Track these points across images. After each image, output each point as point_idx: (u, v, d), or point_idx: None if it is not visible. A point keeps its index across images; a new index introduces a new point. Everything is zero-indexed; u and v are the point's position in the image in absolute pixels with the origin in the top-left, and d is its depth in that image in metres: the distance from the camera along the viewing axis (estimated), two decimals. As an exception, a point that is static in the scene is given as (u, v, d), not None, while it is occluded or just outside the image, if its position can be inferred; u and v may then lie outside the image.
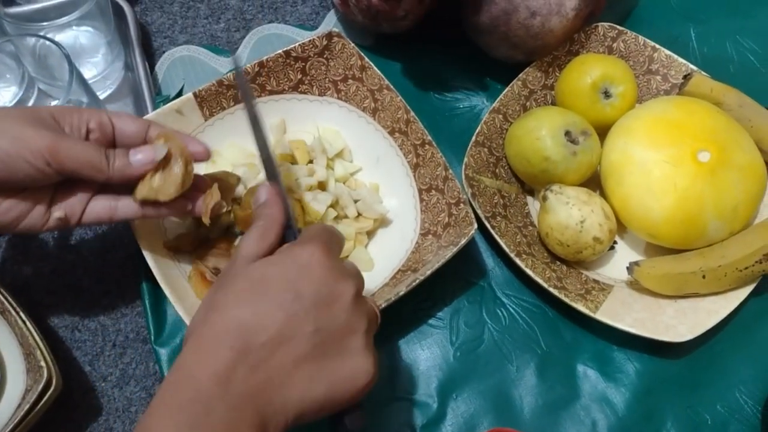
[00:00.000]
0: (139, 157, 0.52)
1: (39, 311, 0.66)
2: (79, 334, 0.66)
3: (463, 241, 0.61)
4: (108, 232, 0.70)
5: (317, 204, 0.65)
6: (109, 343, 0.65)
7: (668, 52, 0.75)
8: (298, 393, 0.42)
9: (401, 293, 0.59)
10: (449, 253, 0.61)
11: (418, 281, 0.60)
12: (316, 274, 0.44)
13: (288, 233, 0.50)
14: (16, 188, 0.51)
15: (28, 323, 0.59)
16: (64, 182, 0.52)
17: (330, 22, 0.81)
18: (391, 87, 0.68)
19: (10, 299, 0.60)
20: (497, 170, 0.71)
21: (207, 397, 0.40)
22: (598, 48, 0.76)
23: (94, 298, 0.67)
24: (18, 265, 0.68)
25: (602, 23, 0.76)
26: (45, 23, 0.68)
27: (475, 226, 0.61)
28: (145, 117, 0.64)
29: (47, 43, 0.66)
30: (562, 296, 0.63)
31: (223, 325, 0.43)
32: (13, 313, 0.60)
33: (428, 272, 0.60)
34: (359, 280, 0.48)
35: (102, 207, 0.55)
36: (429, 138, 0.66)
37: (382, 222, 0.69)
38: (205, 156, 0.56)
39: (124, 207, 0.55)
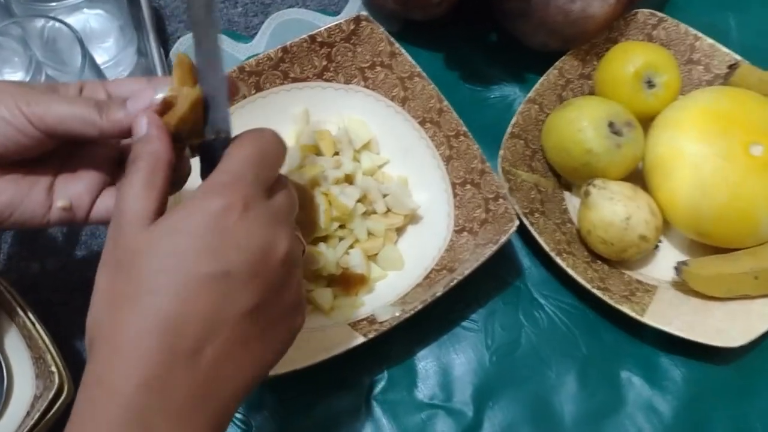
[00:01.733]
0: (137, 103, 0.40)
1: (47, 311, 0.61)
2: (91, 336, 0.62)
3: (503, 239, 0.57)
4: (120, 227, 0.66)
5: (345, 198, 0.61)
6: (123, 346, 0.61)
7: (711, 41, 0.71)
8: (249, 374, 0.37)
9: (438, 294, 0.56)
10: (488, 251, 0.57)
11: (455, 281, 0.56)
12: (241, 236, 0.36)
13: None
14: (3, 164, 0.42)
15: (37, 325, 0.55)
16: (66, 165, 0.45)
17: (354, 7, 0.77)
18: (423, 74, 0.64)
19: (17, 298, 0.56)
20: (533, 163, 0.67)
21: (141, 412, 0.33)
22: (638, 36, 0.72)
23: (106, 297, 0.63)
24: (25, 261, 0.64)
25: (642, 10, 0.72)
26: (54, 3, 0.64)
27: (516, 222, 0.58)
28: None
29: (57, 25, 0.62)
30: (606, 298, 0.60)
31: (140, 321, 0.34)
32: (21, 313, 0.56)
33: (466, 272, 0.56)
34: (290, 212, 0.40)
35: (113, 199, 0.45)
36: (464, 129, 0.62)
37: (412, 218, 0.65)
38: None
39: None
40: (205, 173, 0.40)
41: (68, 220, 0.45)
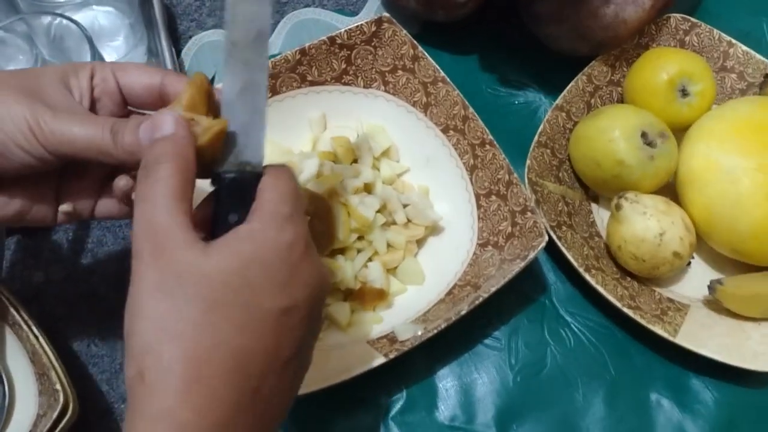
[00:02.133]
0: (147, 133, 0.37)
1: (50, 322, 0.59)
2: (96, 349, 0.59)
3: (532, 255, 0.54)
4: (129, 234, 0.63)
5: (365, 208, 0.58)
6: (129, 360, 0.59)
7: (745, 48, 0.68)
8: (289, 400, 0.36)
9: (463, 312, 0.53)
10: (516, 267, 0.54)
11: (481, 299, 0.53)
12: (306, 272, 0.35)
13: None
14: (11, 177, 0.41)
15: (41, 339, 0.53)
16: (69, 167, 0.43)
17: (372, 8, 0.74)
18: (447, 80, 0.61)
19: (21, 311, 0.54)
20: (560, 174, 0.64)
21: None
22: (669, 41, 0.69)
23: (113, 308, 0.60)
24: (28, 270, 0.61)
25: (674, 14, 0.69)
26: (62, 0, 0.61)
27: (546, 237, 0.55)
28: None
29: (65, 22, 0.59)
30: (637, 317, 0.57)
31: (209, 357, 0.32)
32: (25, 327, 0.53)
33: (492, 289, 0.53)
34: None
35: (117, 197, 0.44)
36: (490, 137, 0.59)
37: (433, 230, 0.62)
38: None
39: None
40: (229, 205, 0.36)
41: (76, 219, 0.45)
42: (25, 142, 0.38)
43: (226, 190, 0.36)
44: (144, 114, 0.41)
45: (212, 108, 0.39)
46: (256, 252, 0.33)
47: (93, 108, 0.42)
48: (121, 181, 0.42)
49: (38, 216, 0.43)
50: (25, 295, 0.60)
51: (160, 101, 0.42)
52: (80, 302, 0.60)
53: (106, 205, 0.45)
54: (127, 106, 0.44)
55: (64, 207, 0.44)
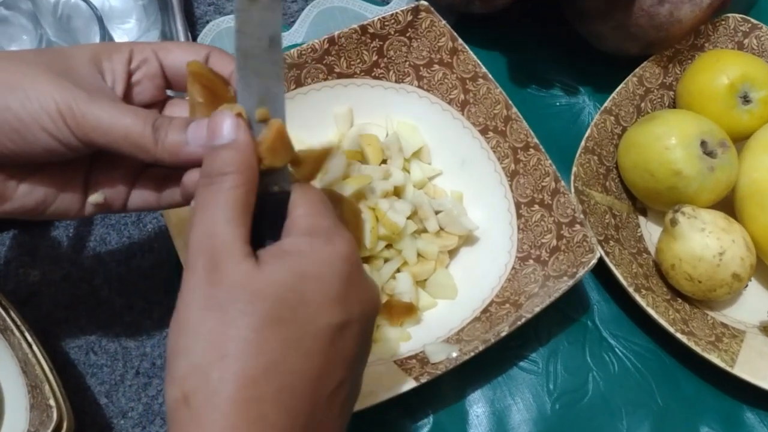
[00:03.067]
0: (200, 134, 0.34)
1: (45, 327, 0.54)
2: (95, 358, 0.54)
3: (581, 272, 0.49)
4: (134, 233, 0.58)
5: (395, 214, 0.53)
6: (132, 371, 0.54)
7: (808, 53, 0.63)
8: (343, 425, 0.33)
9: (503, 334, 0.48)
10: (563, 285, 0.49)
11: (524, 320, 0.48)
12: (361, 287, 0.33)
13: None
14: (35, 163, 0.37)
15: (34, 347, 0.47)
16: (101, 155, 0.38)
17: (404, -3, 0.69)
18: (489, 76, 0.56)
19: (13, 313, 0.48)
20: (607, 183, 0.59)
21: None
22: (727, 43, 0.64)
23: (115, 314, 0.55)
24: (24, 268, 0.56)
25: (733, 14, 0.63)
26: (72, -25, 0.56)
27: (597, 253, 0.49)
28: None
29: (73, 0, 0.54)
30: (692, 344, 0.52)
31: (266, 380, 0.29)
32: (17, 332, 0.48)
33: (537, 309, 0.48)
34: None
35: (153, 188, 0.40)
36: (535, 141, 0.54)
37: (467, 240, 0.57)
38: None
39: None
40: (260, 228, 0.33)
41: (104, 212, 0.40)
42: (51, 125, 0.34)
43: (258, 213, 0.32)
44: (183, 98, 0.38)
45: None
46: (310, 266, 0.31)
47: (128, 95, 0.38)
48: (193, 175, 0.36)
49: (63, 207, 0.38)
50: (19, 296, 0.55)
51: None
52: (79, 306, 0.55)
53: (141, 196, 0.40)
54: (166, 92, 0.40)
55: (94, 198, 0.39)
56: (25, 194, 0.37)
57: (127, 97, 0.38)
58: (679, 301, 0.56)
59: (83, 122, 0.34)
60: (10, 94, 0.34)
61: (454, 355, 0.48)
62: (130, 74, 0.38)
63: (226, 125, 0.33)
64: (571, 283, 0.49)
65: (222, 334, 0.29)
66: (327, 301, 0.31)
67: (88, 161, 0.39)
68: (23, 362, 0.48)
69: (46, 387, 0.45)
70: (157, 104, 0.40)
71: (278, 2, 0.34)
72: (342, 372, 0.31)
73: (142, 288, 0.56)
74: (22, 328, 0.48)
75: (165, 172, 0.39)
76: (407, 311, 0.53)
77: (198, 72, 0.35)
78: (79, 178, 0.38)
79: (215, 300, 0.30)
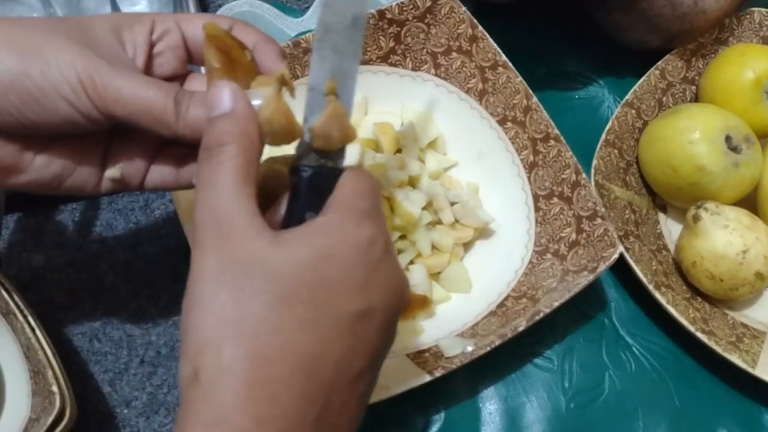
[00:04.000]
0: (225, 104, 0.32)
1: (49, 312, 0.53)
2: (99, 345, 0.53)
3: (602, 267, 0.48)
4: (142, 219, 0.56)
5: (410, 204, 0.51)
6: (136, 359, 0.52)
7: (834, 49, 0.62)
8: (359, 418, 0.32)
9: (520, 329, 0.46)
10: (583, 280, 0.48)
11: (542, 314, 0.47)
12: (385, 275, 0.31)
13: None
14: (53, 134, 0.35)
15: (37, 332, 0.46)
16: (119, 130, 0.37)
17: (421, -15, 0.68)
18: (509, 65, 0.54)
19: (16, 297, 0.47)
20: (627, 178, 0.57)
21: None
22: (751, 37, 0.62)
23: (120, 301, 0.54)
24: (28, 252, 0.55)
25: (758, 9, 0.62)
26: (83, -47, 0.55)
27: (619, 248, 0.48)
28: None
29: (84, -22, 0.53)
30: (712, 344, 0.50)
31: (279, 361, 0.28)
32: (20, 317, 0.46)
33: (556, 304, 0.47)
34: None
35: (171, 165, 0.39)
36: (556, 132, 0.52)
37: (483, 232, 0.55)
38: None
39: None
40: (307, 201, 0.33)
41: (120, 189, 0.39)
42: (72, 95, 0.33)
43: (305, 185, 0.33)
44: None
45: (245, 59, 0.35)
46: (333, 247, 0.30)
47: (149, 67, 0.37)
48: None
49: (79, 181, 0.37)
50: (22, 280, 0.54)
51: None
52: (84, 291, 0.54)
53: (159, 173, 0.39)
54: (187, 65, 0.38)
55: (111, 172, 0.38)
56: (41, 166, 0.36)
57: (148, 70, 0.37)
58: (699, 300, 0.54)
59: (104, 93, 0.33)
60: (30, 61, 0.32)
61: (469, 349, 0.46)
62: (151, 45, 0.37)
63: (224, 95, 0.32)
64: (591, 278, 0.47)
65: (235, 310, 0.28)
66: (349, 286, 0.30)
67: (107, 135, 0.37)
68: (26, 347, 0.47)
69: (49, 373, 0.44)
70: (179, 78, 0.39)
71: None
72: (362, 362, 0.30)
73: (149, 275, 0.55)
74: (26, 312, 0.47)
75: (184, 150, 0.38)
76: (421, 304, 0.51)
77: (214, 35, 0.34)
78: (98, 152, 0.37)
79: (228, 275, 0.29)
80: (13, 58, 0.32)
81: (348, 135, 0.33)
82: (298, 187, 0.33)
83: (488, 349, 0.46)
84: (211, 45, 0.34)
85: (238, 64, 0.34)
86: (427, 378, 0.45)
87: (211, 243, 0.29)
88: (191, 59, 0.38)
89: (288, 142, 0.33)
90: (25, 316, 0.46)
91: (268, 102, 0.32)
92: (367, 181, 0.33)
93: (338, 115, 0.33)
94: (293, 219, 0.32)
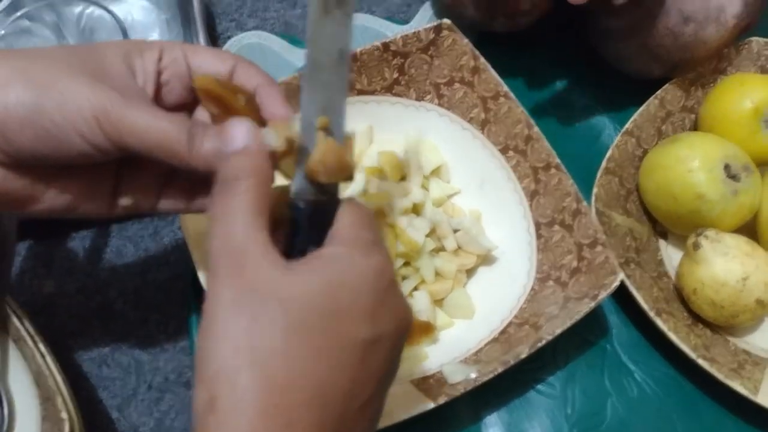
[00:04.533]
0: (239, 141, 0.34)
1: (59, 338, 0.54)
2: (108, 371, 0.53)
3: (603, 294, 0.49)
4: (151, 246, 0.58)
5: (414, 232, 0.52)
6: (144, 385, 0.53)
7: (832, 79, 0.62)
8: None
9: (523, 356, 0.47)
10: (584, 308, 0.48)
11: (544, 341, 0.47)
12: (393, 303, 0.32)
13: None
14: (66, 165, 0.36)
15: (47, 358, 0.47)
16: (131, 158, 0.38)
17: (425, 17, 0.69)
18: (511, 95, 0.55)
19: (27, 324, 0.48)
20: (628, 205, 0.58)
21: None
22: (750, 67, 0.63)
23: (129, 327, 0.55)
24: (39, 279, 0.56)
25: (756, 38, 0.63)
26: (96, -12, 0.56)
27: (620, 275, 0.49)
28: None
29: (98, 12, 0.55)
30: (713, 371, 0.51)
31: (294, 387, 0.29)
32: (30, 343, 0.47)
33: (558, 331, 0.48)
34: None
35: (182, 193, 0.40)
36: (557, 161, 0.53)
37: (485, 259, 0.56)
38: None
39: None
40: (306, 232, 0.34)
41: (134, 212, 0.40)
42: (87, 129, 0.33)
43: (304, 218, 0.34)
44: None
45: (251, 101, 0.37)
46: (344, 276, 0.31)
47: (157, 95, 0.38)
48: None
49: (92, 207, 0.38)
50: (33, 307, 0.54)
51: None
52: (93, 318, 0.55)
53: (171, 198, 0.40)
54: (194, 94, 0.39)
55: (124, 201, 0.39)
56: (55, 195, 0.37)
57: (157, 97, 0.38)
58: (700, 326, 0.55)
59: (119, 127, 0.33)
60: (46, 96, 0.33)
61: (473, 376, 0.47)
62: (159, 73, 0.38)
63: (240, 132, 0.33)
64: (592, 305, 0.48)
65: (251, 339, 0.29)
66: (359, 314, 0.30)
67: (118, 162, 0.38)
68: (36, 373, 0.47)
69: (59, 399, 0.45)
70: (186, 106, 0.40)
71: (350, 17, 0.34)
72: (371, 388, 0.31)
73: (157, 301, 0.56)
74: (36, 338, 0.48)
75: (196, 177, 0.38)
76: (424, 330, 0.52)
77: (205, 88, 0.36)
78: (109, 179, 0.38)
79: (244, 304, 0.29)
80: (28, 92, 0.33)
81: (348, 168, 0.35)
82: (298, 221, 0.34)
83: (491, 375, 0.46)
84: (204, 97, 0.35)
85: (233, 109, 0.36)
86: (431, 405, 0.46)
87: (227, 272, 0.30)
88: (188, 91, 0.39)
89: (344, 177, 0.35)
90: (35, 343, 0.47)
91: (319, 144, 0.34)
92: (366, 211, 0.34)
93: (334, 151, 0.34)
94: (294, 251, 0.33)
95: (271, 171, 0.33)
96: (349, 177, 0.35)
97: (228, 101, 0.36)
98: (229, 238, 0.31)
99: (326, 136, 0.34)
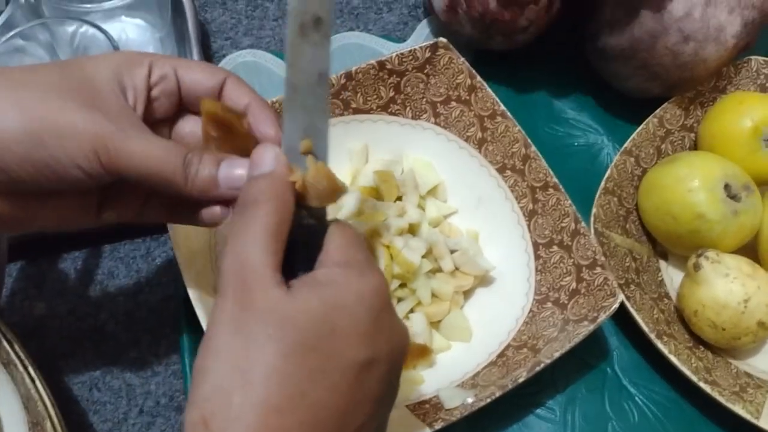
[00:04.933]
0: (237, 172, 0.35)
1: (50, 360, 0.53)
2: (99, 395, 0.52)
3: (603, 317, 0.48)
4: (143, 267, 0.57)
5: (410, 252, 0.51)
6: (135, 409, 0.52)
7: (832, 97, 0.62)
8: None
9: (521, 380, 0.46)
10: (583, 330, 0.47)
11: (543, 365, 0.46)
12: (389, 325, 0.32)
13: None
14: (59, 190, 0.36)
15: (37, 382, 0.46)
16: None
17: (421, 35, 0.69)
18: (508, 114, 0.55)
19: (16, 347, 0.47)
20: (627, 225, 0.57)
21: None
22: (749, 85, 0.63)
23: (120, 349, 0.54)
24: (30, 300, 0.55)
25: (755, 57, 0.63)
26: (89, 5, 0.56)
27: (619, 297, 0.48)
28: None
29: (91, 31, 0.54)
30: (715, 394, 0.50)
31: (288, 411, 0.28)
32: (20, 367, 0.46)
33: (556, 354, 0.47)
34: None
35: (165, 205, 0.40)
36: (554, 180, 0.53)
37: (483, 280, 0.55)
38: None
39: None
40: (295, 256, 0.33)
41: (117, 222, 0.40)
42: (85, 163, 0.34)
43: (296, 242, 0.33)
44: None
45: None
46: (341, 297, 0.30)
47: (148, 112, 0.37)
48: (212, 211, 0.37)
49: (80, 221, 0.38)
50: (24, 329, 0.54)
51: None
52: (85, 340, 0.54)
53: (153, 211, 0.40)
54: (180, 103, 0.39)
55: (108, 215, 0.39)
56: (45, 217, 0.37)
57: (147, 115, 0.37)
58: (702, 348, 0.54)
59: (116, 160, 0.34)
60: (44, 130, 0.33)
61: (470, 401, 0.46)
62: (149, 89, 0.37)
63: (268, 157, 0.33)
64: (591, 327, 0.47)
65: (248, 358, 0.28)
66: (356, 335, 0.30)
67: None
68: (25, 398, 0.46)
69: (48, 424, 0.44)
70: (170, 119, 0.39)
71: (328, 39, 0.34)
72: (367, 412, 0.30)
73: (149, 323, 0.55)
74: (26, 362, 0.47)
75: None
76: (421, 353, 0.51)
77: (212, 112, 0.35)
78: (96, 198, 0.38)
79: (243, 324, 0.29)
80: (26, 125, 0.33)
81: (339, 192, 0.34)
82: (289, 246, 0.33)
83: (489, 400, 0.45)
84: (209, 120, 0.35)
85: (236, 134, 0.35)
86: (427, 431, 0.45)
87: (234, 291, 0.30)
88: (177, 106, 0.39)
89: (333, 201, 0.35)
90: (25, 367, 0.46)
91: (310, 168, 0.33)
92: (355, 233, 0.34)
93: (326, 175, 0.33)
94: (284, 274, 0.32)
95: (292, 198, 0.33)
96: (336, 200, 0.35)
97: (233, 126, 0.36)
98: (241, 259, 0.30)
99: (314, 161, 0.34)
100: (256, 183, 0.33)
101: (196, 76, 0.38)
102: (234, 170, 0.35)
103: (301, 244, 0.33)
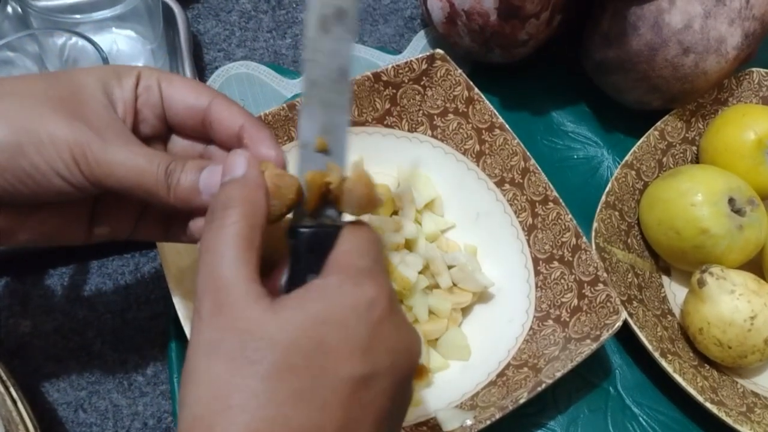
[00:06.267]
0: (213, 182, 0.33)
1: (35, 381, 0.51)
2: (84, 416, 0.50)
3: (606, 335, 0.46)
4: (132, 283, 0.55)
5: (406, 268, 0.50)
6: (122, 431, 0.50)
7: (835, 110, 0.61)
8: None
9: (522, 401, 0.44)
10: (586, 349, 0.46)
11: (544, 386, 0.45)
12: (389, 336, 0.30)
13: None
14: (43, 202, 0.36)
15: (20, 404, 0.44)
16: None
17: (417, 47, 0.68)
18: (506, 126, 0.54)
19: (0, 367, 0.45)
20: (629, 240, 0.56)
21: None
22: (751, 98, 0.62)
23: (107, 369, 0.52)
24: (15, 317, 0.53)
25: (757, 69, 0.62)
26: (78, 17, 0.54)
27: (623, 315, 0.46)
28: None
29: (81, 42, 0.53)
30: (722, 415, 0.48)
31: (277, 431, 0.27)
32: (2, 388, 0.44)
33: (558, 374, 0.45)
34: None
35: (159, 221, 0.39)
36: (554, 194, 0.51)
37: (481, 297, 0.54)
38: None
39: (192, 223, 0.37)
40: (307, 262, 0.31)
41: (111, 239, 0.39)
42: (66, 171, 0.33)
43: (304, 245, 0.32)
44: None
45: None
46: (330, 310, 0.28)
47: (136, 124, 0.36)
48: (198, 223, 0.36)
49: (70, 237, 0.38)
50: (9, 347, 0.52)
51: (201, 127, 0.37)
52: (71, 359, 0.52)
53: (146, 229, 0.39)
54: (164, 119, 0.38)
55: (99, 230, 0.38)
56: (32, 229, 0.36)
57: (136, 127, 0.36)
58: (707, 367, 0.53)
59: (97, 168, 0.33)
60: (25, 139, 0.32)
61: (469, 423, 0.44)
62: (137, 100, 0.36)
63: (239, 161, 0.32)
64: (594, 346, 0.46)
65: (227, 382, 0.27)
66: (348, 349, 0.28)
67: (93, 197, 0.37)
68: (6, 420, 0.45)
69: (29, 449, 0.42)
70: (161, 138, 0.38)
71: (351, 34, 0.33)
72: (370, 428, 0.28)
73: (137, 342, 0.53)
74: (8, 383, 0.45)
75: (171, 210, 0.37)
76: (418, 373, 0.49)
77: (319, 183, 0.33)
78: (86, 210, 0.37)
79: (221, 346, 0.28)
80: (7, 136, 0.32)
81: (373, 202, 0.32)
82: (298, 249, 0.32)
83: (488, 422, 0.44)
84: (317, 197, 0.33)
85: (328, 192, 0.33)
86: (425, 453, 0.43)
87: (208, 312, 0.28)
88: (162, 121, 0.38)
89: (368, 211, 0.33)
90: (7, 388, 0.45)
91: (352, 171, 0.32)
92: (367, 236, 0.32)
93: (365, 183, 0.32)
94: (295, 282, 0.31)
95: (264, 203, 0.31)
96: (372, 212, 0.33)
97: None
98: (214, 274, 0.29)
99: (358, 166, 0.32)
100: (225, 189, 0.31)
101: (180, 92, 0.37)
102: (216, 176, 0.33)
103: (311, 248, 0.31)
